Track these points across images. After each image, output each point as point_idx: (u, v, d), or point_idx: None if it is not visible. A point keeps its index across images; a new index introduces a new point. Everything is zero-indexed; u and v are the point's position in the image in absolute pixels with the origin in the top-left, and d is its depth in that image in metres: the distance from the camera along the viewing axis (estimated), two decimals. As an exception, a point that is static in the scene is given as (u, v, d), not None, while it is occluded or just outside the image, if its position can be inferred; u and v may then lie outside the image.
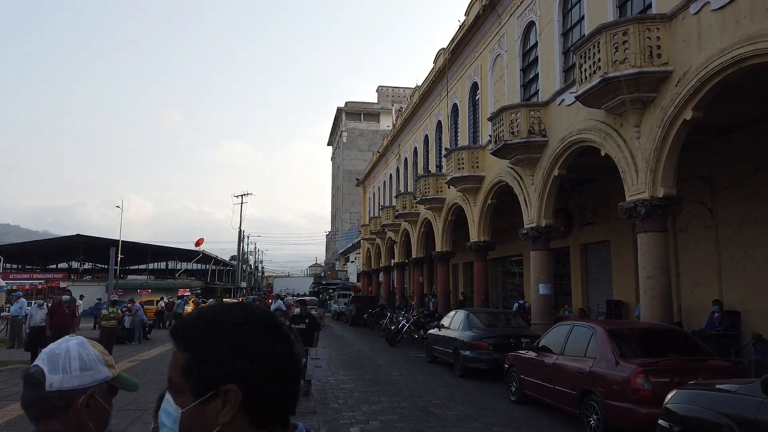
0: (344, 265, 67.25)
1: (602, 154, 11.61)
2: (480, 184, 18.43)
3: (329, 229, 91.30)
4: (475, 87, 19.93)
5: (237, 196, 63.66)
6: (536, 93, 15.21)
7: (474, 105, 20.20)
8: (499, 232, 19.69)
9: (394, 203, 30.54)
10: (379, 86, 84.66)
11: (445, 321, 14.65)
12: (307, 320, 10.24)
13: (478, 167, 18.38)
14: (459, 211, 21.01)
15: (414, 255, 27.35)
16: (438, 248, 22.98)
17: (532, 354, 9.16)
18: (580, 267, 18.14)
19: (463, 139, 20.84)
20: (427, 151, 26.63)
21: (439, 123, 24.37)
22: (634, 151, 10.57)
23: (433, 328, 15.64)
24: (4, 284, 24.32)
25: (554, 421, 8.21)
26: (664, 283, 10.11)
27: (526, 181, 15.10)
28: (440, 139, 24.35)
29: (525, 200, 15.15)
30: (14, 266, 62.26)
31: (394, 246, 32.32)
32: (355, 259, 57.24)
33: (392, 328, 20.46)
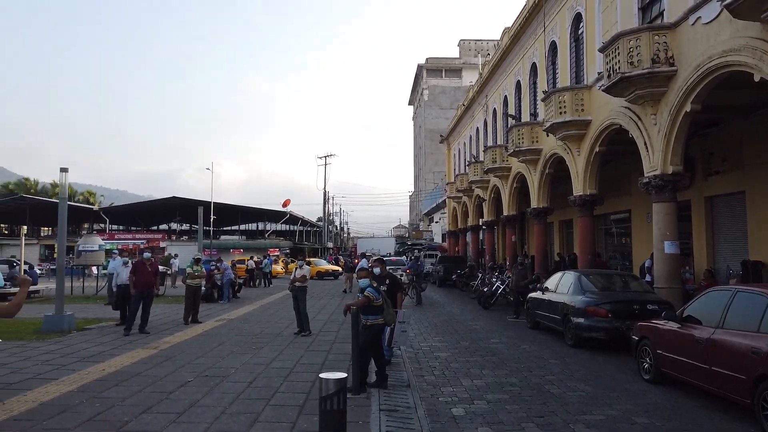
0: (428, 225, 66.21)
1: (756, 79, 9.32)
2: (585, 130, 16.26)
3: (412, 190, 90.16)
4: (578, 18, 17.47)
5: (321, 158, 64.00)
6: (660, 14, 12.77)
7: (577, 40, 17.78)
8: (601, 185, 17.48)
9: (481, 158, 28.61)
10: (460, 40, 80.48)
11: (550, 284, 13.01)
12: (387, 281, 9.01)
13: (583, 110, 16.21)
14: (558, 162, 18.93)
15: (506, 212, 25.49)
16: (534, 204, 21.05)
17: (673, 325, 7.43)
18: (705, 222, 15.69)
19: (564, 81, 18.53)
20: (520, 98, 24.34)
21: (534, 66, 22.01)
22: (807, 70, 8.28)
23: (534, 291, 14.06)
24: (104, 243, 25.21)
25: (711, 411, 6.50)
26: None
27: (646, 122, 12.87)
28: (535, 83, 22.03)
29: (645, 144, 12.95)
30: (120, 227, 66.60)
31: (483, 204, 30.51)
32: (440, 219, 55.84)
33: (485, 290, 19.05)
